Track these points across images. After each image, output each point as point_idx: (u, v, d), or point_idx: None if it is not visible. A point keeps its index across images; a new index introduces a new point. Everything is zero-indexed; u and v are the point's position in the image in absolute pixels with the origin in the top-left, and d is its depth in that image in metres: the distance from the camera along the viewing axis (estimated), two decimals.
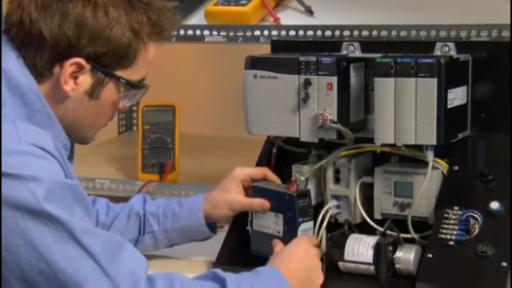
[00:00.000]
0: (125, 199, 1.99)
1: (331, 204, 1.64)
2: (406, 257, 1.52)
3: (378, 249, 1.52)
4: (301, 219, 1.58)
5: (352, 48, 1.69)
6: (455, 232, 1.49)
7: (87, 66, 1.32)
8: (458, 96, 1.55)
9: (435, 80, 1.49)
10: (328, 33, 1.85)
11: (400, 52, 1.57)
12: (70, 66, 1.31)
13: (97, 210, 1.65)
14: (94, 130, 1.43)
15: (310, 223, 1.59)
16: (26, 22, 1.31)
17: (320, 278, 1.50)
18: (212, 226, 1.66)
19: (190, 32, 2.04)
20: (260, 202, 1.61)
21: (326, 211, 1.63)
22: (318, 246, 1.55)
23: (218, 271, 1.36)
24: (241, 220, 1.66)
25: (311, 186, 1.66)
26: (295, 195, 1.58)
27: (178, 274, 1.32)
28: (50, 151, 1.27)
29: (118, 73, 1.36)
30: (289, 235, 1.57)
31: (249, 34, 1.98)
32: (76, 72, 1.32)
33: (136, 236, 1.65)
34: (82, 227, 1.23)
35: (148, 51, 1.37)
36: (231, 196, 1.64)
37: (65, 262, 1.21)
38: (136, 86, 1.39)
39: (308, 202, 1.59)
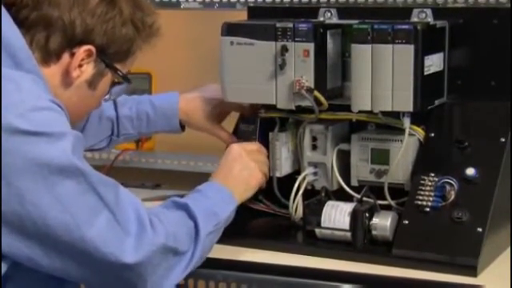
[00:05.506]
0: (101, 168, 1.99)
1: (308, 171, 1.65)
2: (383, 223, 1.53)
3: (354, 215, 1.53)
4: (242, 141, 1.64)
5: (329, 14, 1.68)
6: (431, 198, 1.50)
7: (94, 56, 1.35)
8: (434, 63, 1.55)
9: (412, 46, 1.48)
10: None
11: (377, 18, 1.56)
12: (83, 52, 1.34)
13: None
14: (78, 119, 1.44)
15: None
16: (44, 4, 1.32)
17: (255, 176, 1.56)
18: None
19: None
20: (227, 136, 1.70)
21: (303, 178, 1.64)
22: (259, 150, 1.61)
23: (176, 199, 1.42)
24: None
25: (288, 154, 1.66)
26: (239, 119, 1.66)
27: (153, 208, 1.39)
28: (60, 105, 1.28)
29: (116, 65, 1.39)
30: None
31: (225, 0, 1.96)
32: (84, 60, 1.35)
33: (108, 135, 1.75)
34: (98, 178, 1.27)
35: (140, 50, 1.42)
36: (212, 129, 1.73)
37: (87, 213, 1.24)
38: (127, 79, 1.43)
39: (252, 129, 1.65)
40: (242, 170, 1.54)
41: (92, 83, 1.38)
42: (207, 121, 1.73)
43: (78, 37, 1.33)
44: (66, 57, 1.34)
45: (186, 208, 1.40)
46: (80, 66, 1.35)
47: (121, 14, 1.36)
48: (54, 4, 1.32)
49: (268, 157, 1.63)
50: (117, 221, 1.26)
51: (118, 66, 1.40)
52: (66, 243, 1.24)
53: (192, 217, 1.39)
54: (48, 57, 1.33)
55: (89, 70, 1.36)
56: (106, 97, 1.44)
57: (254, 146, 1.61)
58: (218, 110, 1.73)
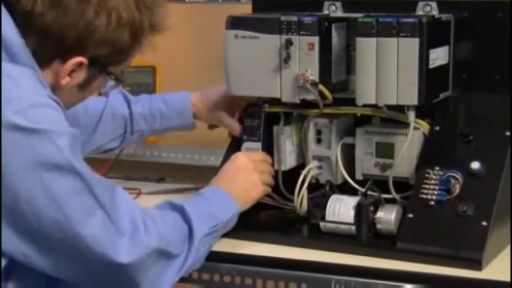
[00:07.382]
0: (105, 161, 1.99)
1: (313, 165, 1.64)
2: (387, 217, 1.52)
3: (359, 209, 1.53)
4: (245, 137, 1.66)
5: (334, 8, 1.68)
6: (436, 192, 1.50)
7: (86, 65, 1.33)
8: (439, 56, 1.55)
9: (417, 40, 1.48)
10: None
11: (382, 12, 1.56)
12: (72, 64, 1.32)
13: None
14: (70, 108, 1.43)
15: (257, 144, 1.66)
16: (36, 13, 1.28)
17: (257, 189, 1.57)
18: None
19: None
20: (235, 126, 1.71)
21: (308, 172, 1.64)
22: (265, 160, 1.62)
23: (173, 200, 1.42)
24: None
25: (293, 147, 1.66)
26: (244, 113, 1.68)
27: (148, 209, 1.38)
28: (58, 101, 1.27)
29: (111, 69, 1.38)
30: None
31: None
32: (75, 68, 1.33)
33: (122, 133, 1.75)
34: (94, 178, 1.27)
35: (140, 51, 1.40)
36: (219, 116, 1.74)
37: (81, 212, 1.24)
38: (121, 80, 1.42)
39: (257, 124, 1.65)
40: (245, 181, 1.55)
41: (83, 86, 1.36)
42: (218, 111, 1.73)
43: (69, 47, 1.30)
44: (56, 64, 1.32)
45: (181, 210, 1.40)
46: (71, 71, 1.32)
47: (117, 27, 1.31)
48: (47, 15, 1.28)
49: (272, 164, 1.64)
50: (111, 221, 1.26)
51: (113, 69, 1.38)
52: (59, 241, 1.24)
53: (187, 220, 1.39)
54: (38, 62, 1.30)
55: (80, 75, 1.34)
56: (105, 90, 1.44)
57: (260, 156, 1.62)
58: (228, 103, 1.73)
